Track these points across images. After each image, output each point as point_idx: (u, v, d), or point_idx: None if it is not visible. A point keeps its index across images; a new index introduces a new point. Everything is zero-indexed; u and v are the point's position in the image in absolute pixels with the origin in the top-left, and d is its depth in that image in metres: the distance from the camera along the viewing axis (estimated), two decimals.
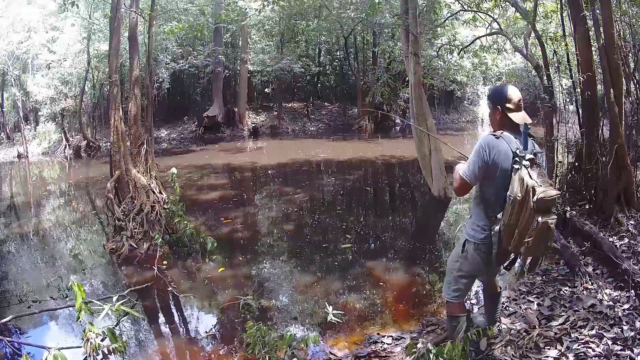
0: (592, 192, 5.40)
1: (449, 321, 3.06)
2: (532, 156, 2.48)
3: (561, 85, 7.00)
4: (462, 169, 2.68)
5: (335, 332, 3.82)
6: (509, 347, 3.05)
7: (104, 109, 17.99)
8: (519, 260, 2.80)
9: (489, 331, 2.96)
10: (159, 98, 19.32)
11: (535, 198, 2.36)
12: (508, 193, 2.49)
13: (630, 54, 5.88)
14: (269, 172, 12.50)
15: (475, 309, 3.96)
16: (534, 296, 3.90)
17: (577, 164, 5.58)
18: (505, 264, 2.81)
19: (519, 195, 2.41)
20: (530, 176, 2.41)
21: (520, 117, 2.58)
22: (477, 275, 2.93)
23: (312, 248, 6.04)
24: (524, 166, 2.44)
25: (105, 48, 14.04)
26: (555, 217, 2.46)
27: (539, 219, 2.38)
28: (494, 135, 2.59)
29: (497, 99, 2.65)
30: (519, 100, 2.61)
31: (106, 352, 2.82)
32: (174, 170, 6.04)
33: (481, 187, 2.71)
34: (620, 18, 5.64)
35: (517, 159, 2.47)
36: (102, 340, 2.87)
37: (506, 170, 2.53)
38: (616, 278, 3.91)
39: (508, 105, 2.59)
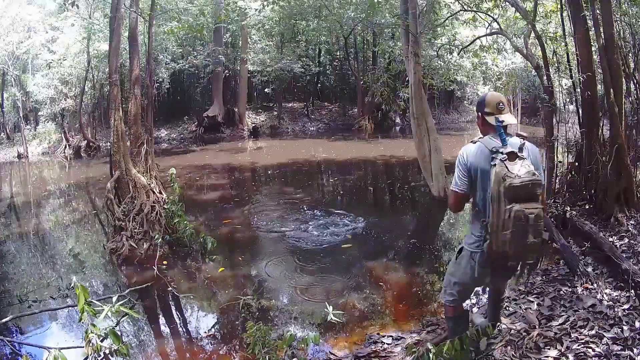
0: (592, 192, 5.40)
1: (446, 322, 3.12)
2: (511, 149, 2.45)
3: (561, 85, 7.00)
4: (451, 184, 2.74)
5: (335, 332, 3.83)
6: (509, 347, 3.05)
7: (104, 109, 18.00)
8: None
9: (489, 330, 2.97)
10: (159, 98, 19.31)
11: (504, 185, 2.36)
12: (488, 191, 2.49)
13: (630, 54, 5.88)
14: (269, 172, 12.50)
15: (475, 309, 3.96)
16: (534, 296, 3.90)
17: (577, 164, 5.58)
18: (507, 273, 2.68)
19: (494, 189, 2.42)
20: (507, 168, 2.39)
21: (497, 118, 2.57)
22: (469, 285, 2.87)
23: (312, 248, 6.04)
24: (501, 160, 2.43)
25: (105, 48, 14.02)
26: (538, 207, 2.36)
27: (513, 207, 2.33)
28: (471, 142, 2.66)
29: (478, 106, 2.77)
30: (498, 103, 2.62)
31: (107, 352, 2.81)
32: (173, 170, 6.05)
33: (472, 194, 2.72)
34: (620, 18, 5.64)
35: (493, 155, 2.48)
36: (102, 340, 2.86)
37: (485, 170, 2.54)
38: (616, 278, 3.91)
39: (486, 109, 2.65)
